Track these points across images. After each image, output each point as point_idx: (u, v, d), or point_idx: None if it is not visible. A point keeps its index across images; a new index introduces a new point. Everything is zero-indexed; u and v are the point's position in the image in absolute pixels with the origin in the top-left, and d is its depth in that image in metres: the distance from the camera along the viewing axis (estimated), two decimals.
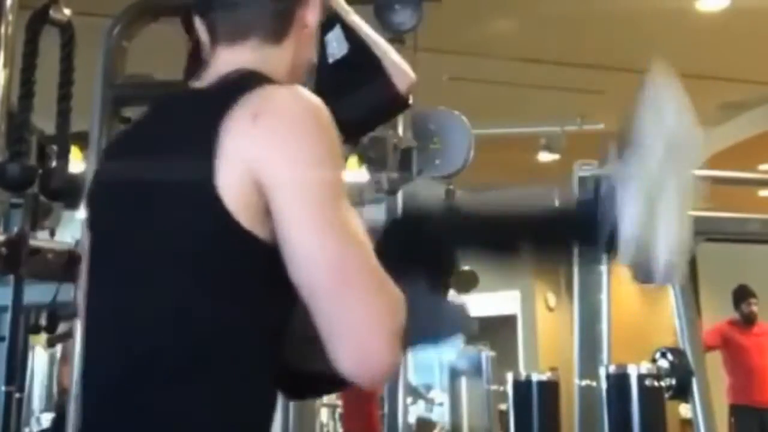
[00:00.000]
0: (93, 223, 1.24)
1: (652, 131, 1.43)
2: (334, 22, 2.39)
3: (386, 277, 1.06)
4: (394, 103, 2.44)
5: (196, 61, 2.12)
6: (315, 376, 1.17)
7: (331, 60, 2.38)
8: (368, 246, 1.07)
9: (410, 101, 2.48)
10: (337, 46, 2.37)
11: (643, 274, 1.41)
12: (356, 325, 1.02)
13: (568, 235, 1.56)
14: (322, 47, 2.41)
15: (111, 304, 1.14)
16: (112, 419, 1.09)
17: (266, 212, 1.05)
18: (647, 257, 1.38)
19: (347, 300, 1.02)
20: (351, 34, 2.37)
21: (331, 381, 1.12)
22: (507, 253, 1.56)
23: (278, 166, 1.05)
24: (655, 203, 1.37)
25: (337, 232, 1.04)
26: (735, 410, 6.37)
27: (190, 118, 1.14)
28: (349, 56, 2.36)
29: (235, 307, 1.07)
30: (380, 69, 2.35)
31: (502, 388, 5.42)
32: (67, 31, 3.01)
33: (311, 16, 1.28)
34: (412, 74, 2.41)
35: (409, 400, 5.24)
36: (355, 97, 2.38)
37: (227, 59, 1.20)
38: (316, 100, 1.13)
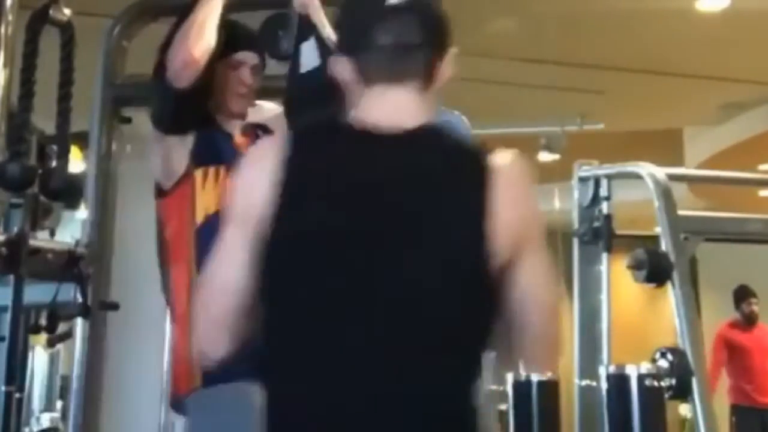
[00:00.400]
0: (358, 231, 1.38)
1: None
2: (309, 32, 2.41)
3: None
4: None
5: (164, 58, 2.16)
6: None
7: (302, 70, 2.41)
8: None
9: None
10: (309, 56, 2.40)
11: None
12: (554, 345, 1.68)
13: None
14: (296, 55, 2.43)
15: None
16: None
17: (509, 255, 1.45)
18: None
19: (553, 330, 1.61)
20: (324, 47, 2.40)
21: None
22: None
23: (533, 231, 1.50)
24: None
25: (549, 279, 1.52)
26: (736, 410, 6.38)
27: (455, 175, 1.41)
28: (320, 69, 2.39)
29: None
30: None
31: (502, 388, 5.41)
32: (67, 31, 3.01)
33: (449, 69, 1.55)
34: None
35: None
36: (320, 112, 2.40)
37: (397, 101, 1.45)
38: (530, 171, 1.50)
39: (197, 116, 2.28)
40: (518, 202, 1.39)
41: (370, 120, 1.43)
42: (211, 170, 2.27)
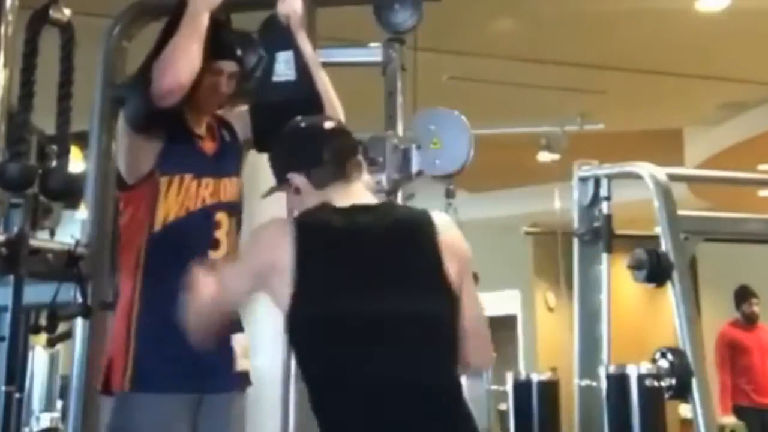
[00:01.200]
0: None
1: None
2: (289, 45, 2.43)
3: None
4: None
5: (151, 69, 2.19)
6: None
7: (275, 78, 2.42)
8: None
9: None
10: (285, 68, 2.43)
11: None
12: (486, 345, 2.09)
13: None
14: (270, 61, 2.45)
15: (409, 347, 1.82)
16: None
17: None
18: None
19: (481, 335, 2.05)
20: (301, 65, 2.42)
21: None
22: None
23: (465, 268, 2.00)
24: None
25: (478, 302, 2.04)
26: (736, 410, 6.38)
27: (414, 230, 1.94)
28: (294, 83, 2.41)
29: None
30: (318, 106, 2.43)
31: (502, 388, 5.42)
32: (67, 31, 3.00)
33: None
34: (342, 115, 2.48)
35: None
36: (286, 123, 2.42)
37: (361, 190, 1.99)
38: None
39: (170, 123, 2.30)
40: (456, 244, 1.91)
41: (340, 205, 1.91)
42: (176, 178, 2.29)
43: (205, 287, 1.90)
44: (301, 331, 1.81)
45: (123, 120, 2.34)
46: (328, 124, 2.02)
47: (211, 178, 2.33)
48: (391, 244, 1.86)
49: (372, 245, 1.85)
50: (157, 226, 2.27)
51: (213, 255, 2.29)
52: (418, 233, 1.89)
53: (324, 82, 2.48)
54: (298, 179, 1.94)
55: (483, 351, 1.99)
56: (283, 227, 1.86)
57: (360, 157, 2.00)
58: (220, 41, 2.36)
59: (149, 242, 2.27)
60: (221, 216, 2.34)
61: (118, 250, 2.37)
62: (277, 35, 2.48)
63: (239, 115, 2.50)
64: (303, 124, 2.03)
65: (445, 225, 1.92)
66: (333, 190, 1.92)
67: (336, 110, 2.46)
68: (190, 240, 2.27)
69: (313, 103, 2.42)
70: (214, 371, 2.23)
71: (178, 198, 2.28)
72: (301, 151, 1.98)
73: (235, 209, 2.39)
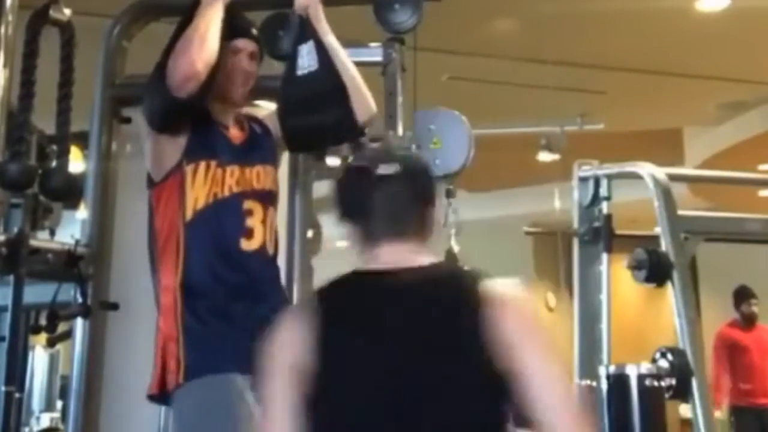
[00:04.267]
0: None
1: None
2: (310, 36, 2.42)
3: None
4: (349, 131, 2.51)
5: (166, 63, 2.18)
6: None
7: (299, 72, 2.41)
8: None
9: (366, 131, 2.56)
10: (307, 60, 2.41)
11: None
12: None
13: None
14: (294, 56, 2.44)
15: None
16: None
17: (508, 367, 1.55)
18: None
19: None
20: (323, 53, 2.41)
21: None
22: None
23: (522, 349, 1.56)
24: None
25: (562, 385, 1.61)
26: (734, 411, 6.37)
27: (452, 301, 1.58)
28: (317, 73, 2.40)
29: None
30: (345, 95, 2.40)
31: None
32: (67, 31, 3.01)
33: (438, 217, 1.74)
34: (374, 107, 2.47)
35: None
36: (315, 116, 2.42)
37: (401, 249, 1.61)
38: (528, 300, 1.65)
39: (193, 116, 2.28)
40: (511, 322, 1.53)
41: (380, 268, 1.60)
42: (202, 165, 2.27)
43: None
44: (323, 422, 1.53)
45: (144, 122, 2.33)
46: (384, 168, 1.61)
47: (236, 166, 2.30)
48: (416, 330, 1.53)
49: (392, 333, 1.53)
50: (189, 214, 2.25)
51: (246, 244, 2.26)
52: (454, 313, 1.54)
53: (348, 69, 2.44)
54: (351, 231, 1.64)
55: None
56: (296, 313, 1.61)
57: (428, 210, 1.66)
58: (235, 23, 2.36)
59: (184, 231, 2.25)
60: (252, 204, 2.30)
61: (155, 250, 2.30)
62: (296, 30, 2.47)
63: (270, 116, 2.49)
64: (356, 164, 1.70)
65: (497, 298, 1.53)
66: (379, 251, 1.60)
67: (362, 95, 2.42)
68: (221, 227, 2.25)
69: (340, 91, 2.40)
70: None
71: (205, 185, 2.25)
72: (349, 197, 1.67)
73: (268, 198, 2.36)
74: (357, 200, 1.63)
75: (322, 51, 2.42)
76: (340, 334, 1.53)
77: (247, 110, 2.49)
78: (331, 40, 2.44)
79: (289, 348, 1.53)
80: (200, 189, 2.26)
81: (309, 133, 2.45)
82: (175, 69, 2.19)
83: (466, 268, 1.68)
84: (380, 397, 1.49)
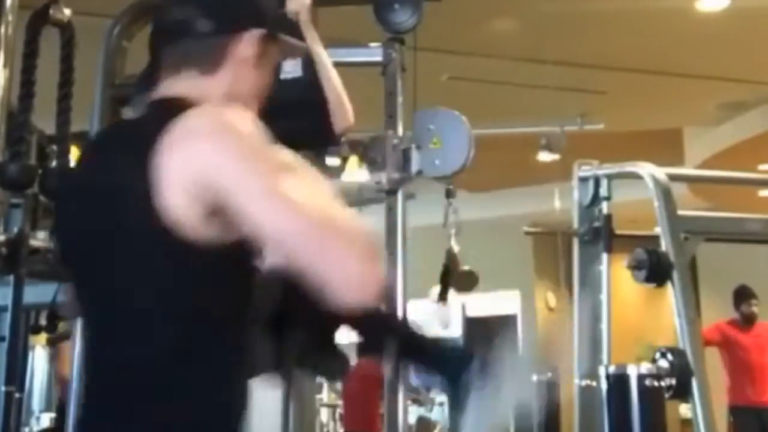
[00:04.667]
0: (67, 253, 1.39)
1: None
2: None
3: (343, 216, 1.23)
4: (325, 140, 2.56)
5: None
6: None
7: (282, 75, 2.42)
8: (322, 198, 1.25)
9: (341, 141, 2.64)
10: (292, 65, 2.42)
11: None
12: (341, 270, 1.19)
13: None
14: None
15: (91, 317, 1.34)
16: (100, 419, 1.27)
17: (210, 215, 1.21)
18: None
19: (326, 255, 1.19)
20: (308, 62, 2.42)
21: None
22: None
23: (219, 173, 1.21)
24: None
25: (289, 202, 1.20)
26: (734, 410, 6.37)
27: (131, 146, 1.28)
28: (301, 80, 2.41)
29: (197, 311, 1.25)
30: (324, 107, 2.44)
31: None
32: (67, 31, 3.01)
33: (246, 49, 1.40)
34: (351, 118, 2.50)
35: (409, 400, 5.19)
36: (292, 119, 2.42)
37: (162, 89, 1.37)
38: (231, 113, 1.29)
39: None
40: (190, 155, 1.21)
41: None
42: None
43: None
44: None
45: None
46: None
47: None
48: (85, 205, 1.31)
49: (80, 183, 1.36)
50: None
51: None
52: (129, 158, 1.26)
53: (331, 80, 2.46)
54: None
55: (333, 286, 1.18)
56: None
57: (212, 41, 1.37)
58: None
59: None
60: None
61: None
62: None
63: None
64: None
65: (177, 136, 1.22)
66: (162, 85, 1.38)
67: (342, 107, 2.46)
68: None
69: (320, 102, 2.42)
70: None
71: None
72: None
73: None
74: (151, 39, 1.41)
75: (308, 59, 2.43)
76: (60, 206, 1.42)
77: None
78: (318, 49, 2.47)
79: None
80: None
81: (283, 135, 2.46)
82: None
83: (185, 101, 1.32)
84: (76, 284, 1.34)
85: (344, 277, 1.18)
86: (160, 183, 1.20)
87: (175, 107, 1.28)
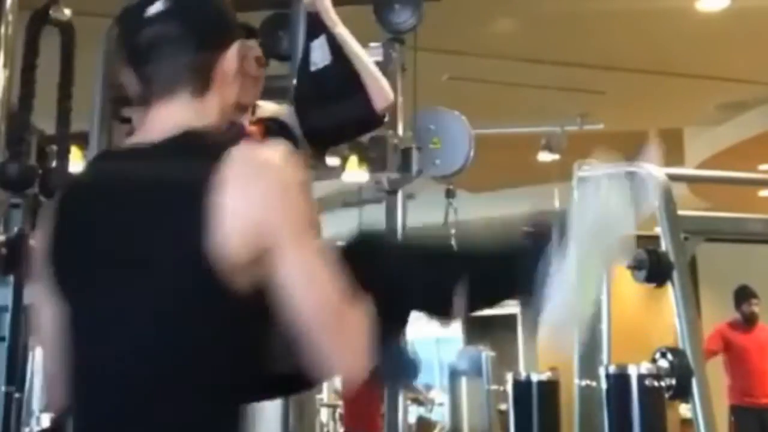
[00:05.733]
0: (63, 272, 1.29)
1: (584, 227, 1.65)
2: (320, 30, 2.40)
3: (352, 301, 1.26)
4: (369, 121, 2.47)
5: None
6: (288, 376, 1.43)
7: (313, 68, 2.40)
8: (333, 268, 1.25)
9: (385, 119, 2.51)
10: (320, 55, 2.39)
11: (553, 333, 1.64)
12: (345, 350, 1.25)
13: (501, 283, 1.76)
14: (306, 53, 2.42)
15: (92, 333, 1.26)
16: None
17: (252, 261, 1.20)
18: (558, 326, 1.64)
19: (334, 332, 1.24)
20: (335, 45, 2.38)
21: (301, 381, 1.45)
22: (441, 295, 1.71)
23: (269, 222, 1.20)
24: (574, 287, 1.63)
25: (318, 272, 1.23)
26: (735, 410, 6.37)
27: (167, 180, 1.25)
28: (331, 67, 2.38)
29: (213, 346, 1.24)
30: (360, 85, 2.37)
31: (502, 388, 5.42)
32: (67, 31, 3.01)
33: (230, 65, 1.36)
34: (391, 94, 2.43)
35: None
36: (332, 110, 2.40)
37: (164, 115, 1.31)
38: (285, 157, 1.26)
39: None
40: (251, 202, 1.20)
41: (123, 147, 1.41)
42: None
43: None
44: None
45: None
46: (156, 5, 1.31)
47: None
48: (110, 238, 1.25)
49: (101, 214, 1.26)
50: None
51: None
52: (177, 191, 1.22)
53: (361, 58, 2.40)
54: (131, 85, 1.36)
55: (331, 357, 1.25)
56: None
57: (207, 56, 1.33)
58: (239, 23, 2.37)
59: None
60: None
61: None
62: (306, 27, 2.45)
63: (288, 114, 2.47)
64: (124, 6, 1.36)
65: (239, 171, 1.20)
66: (149, 115, 1.33)
67: (378, 83, 2.39)
68: None
69: (355, 83, 2.38)
70: None
71: None
72: (123, 45, 1.37)
73: None
74: (126, 50, 1.34)
75: (334, 44, 2.39)
76: (56, 240, 1.30)
77: (260, 112, 2.48)
78: (341, 30, 2.39)
79: (39, 243, 1.33)
80: None
81: (329, 128, 2.43)
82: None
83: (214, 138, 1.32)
84: (78, 320, 1.27)
85: (346, 356, 1.25)
86: (213, 223, 1.17)
87: (198, 142, 1.28)
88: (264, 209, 1.19)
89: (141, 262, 1.21)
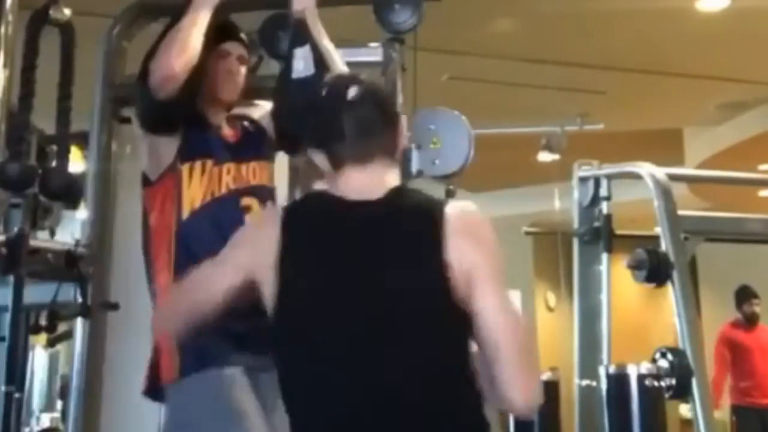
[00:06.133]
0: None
1: None
2: (305, 40, 2.41)
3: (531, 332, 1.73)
4: None
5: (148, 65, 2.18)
6: None
7: (295, 76, 2.41)
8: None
9: None
10: (303, 64, 2.41)
11: None
12: (526, 385, 1.56)
13: None
14: (290, 59, 2.44)
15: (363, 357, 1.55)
16: None
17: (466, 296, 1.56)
18: None
19: (521, 367, 1.56)
20: (319, 59, 2.40)
21: None
22: None
23: (483, 266, 1.58)
24: None
25: (513, 315, 1.61)
26: (736, 410, 6.38)
27: (411, 230, 1.61)
28: (312, 79, 2.39)
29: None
30: None
31: None
32: (67, 31, 3.01)
33: (404, 135, 1.78)
34: None
35: None
36: (309, 120, 2.40)
37: (382, 174, 1.68)
38: (484, 216, 1.66)
39: (181, 116, 2.29)
40: (466, 247, 1.58)
41: (344, 195, 1.66)
42: (198, 164, 2.28)
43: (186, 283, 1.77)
44: (281, 346, 1.60)
45: (137, 123, 2.35)
46: (353, 92, 1.68)
47: (232, 164, 2.32)
48: (376, 266, 1.58)
49: (355, 250, 1.59)
50: (185, 214, 2.26)
51: None
52: (415, 237, 1.59)
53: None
54: (318, 157, 1.72)
55: (511, 383, 1.56)
56: (271, 217, 1.69)
57: (390, 133, 1.72)
58: (223, 26, 2.38)
59: (180, 231, 2.26)
60: (249, 201, 2.31)
61: (150, 249, 2.31)
62: (292, 33, 2.47)
63: (264, 116, 2.49)
64: (325, 91, 1.76)
65: (457, 225, 1.59)
66: (349, 173, 1.66)
67: None
68: (219, 225, 2.21)
69: None
70: (261, 349, 2.00)
71: (202, 184, 2.27)
72: (320, 122, 1.73)
73: (265, 194, 2.37)
74: (328, 125, 1.70)
75: (318, 56, 2.42)
76: (302, 263, 1.59)
77: (238, 110, 2.50)
78: (327, 44, 2.44)
79: (250, 250, 1.66)
80: (197, 188, 2.27)
81: (299, 136, 2.45)
82: (155, 70, 2.21)
83: (427, 194, 1.72)
84: (340, 339, 1.54)
85: (525, 391, 1.55)
86: (450, 266, 1.54)
87: (413, 198, 1.68)
88: (477, 255, 1.57)
89: (406, 291, 1.54)
